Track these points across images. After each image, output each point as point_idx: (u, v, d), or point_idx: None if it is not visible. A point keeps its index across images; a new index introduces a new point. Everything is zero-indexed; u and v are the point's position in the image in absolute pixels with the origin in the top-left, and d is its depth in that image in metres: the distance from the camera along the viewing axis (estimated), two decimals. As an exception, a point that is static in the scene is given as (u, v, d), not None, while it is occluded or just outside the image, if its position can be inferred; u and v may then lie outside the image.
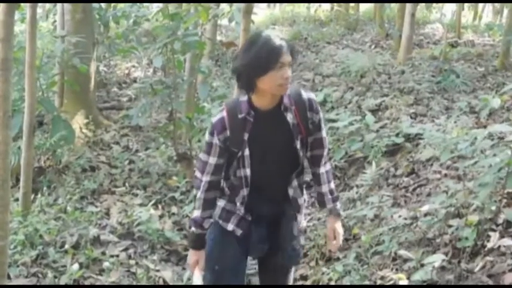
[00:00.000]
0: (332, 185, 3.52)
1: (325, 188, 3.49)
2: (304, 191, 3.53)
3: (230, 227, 3.40)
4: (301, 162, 3.34)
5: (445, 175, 5.95)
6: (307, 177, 3.54)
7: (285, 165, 3.34)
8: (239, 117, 3.17)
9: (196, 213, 3.37)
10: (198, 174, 3.37)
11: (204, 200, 3.36)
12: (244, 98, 3.17)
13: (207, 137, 3.26)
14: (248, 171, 3.27)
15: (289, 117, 3.22)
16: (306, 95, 3.28)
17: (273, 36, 3.03)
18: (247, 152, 3.22)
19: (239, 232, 3.40)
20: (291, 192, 3.38)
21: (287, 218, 3.45)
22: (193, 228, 3.38)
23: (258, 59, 2.97)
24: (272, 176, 3.35)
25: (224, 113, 3.22)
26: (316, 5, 21.17)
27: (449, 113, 8.23)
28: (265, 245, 3.46)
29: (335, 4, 20.64)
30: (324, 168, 3.49)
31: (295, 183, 3.39)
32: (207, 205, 3.38)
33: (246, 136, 3.19)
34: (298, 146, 3.27)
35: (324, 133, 3.39)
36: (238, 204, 3.38)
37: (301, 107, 3.25)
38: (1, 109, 3.60)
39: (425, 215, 5.03)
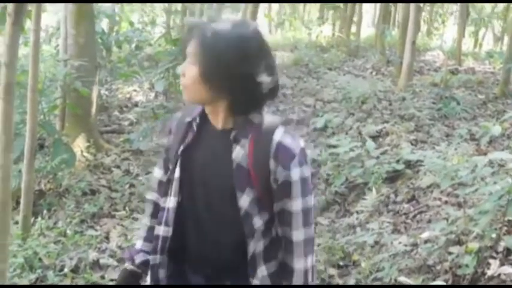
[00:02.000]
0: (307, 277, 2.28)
1: (298, 265, 2.27)
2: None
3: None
4: (252, 235, 2.25)
5: (446, 202, 5.95)
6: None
7: (226, 229, 2.31)
8: (185, 121, 2.37)
9: (136, 242, 2.58)
10: None
11: (147, 227, 2.56)
12: None
13: None
14: (173, 202, 2.35)
15: (237, 153, 2.21)
16: (279, 135, 2.19)
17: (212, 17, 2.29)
18: (177, 173, 2.33)
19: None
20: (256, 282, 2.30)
21: None
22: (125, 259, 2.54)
23: None
24: (208, 235, 2.34)
25: (179, 113, 2.47)
26: (318, 30, 21.30)
27: (450, 140, 8.25)
28: None
29: (336, 30, 20.77)
30: (301, 264, 2.26)
31: (262, 271, 2.29)
32: (149, 235, 2.52)
33: (181, 148, 2.33)
34: (245, 205, 2.21)
35: (297, 206, 2.21)
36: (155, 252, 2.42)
37: (262, 147, 2.18)
38: (4, 133, 3.60)
39: (426, 241, 5.03)
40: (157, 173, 2.53)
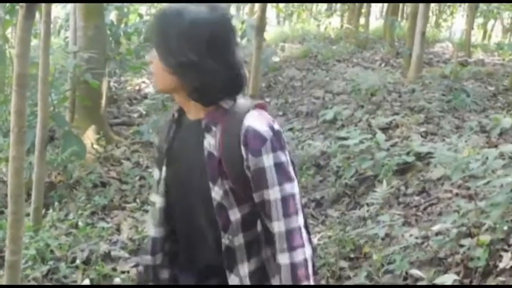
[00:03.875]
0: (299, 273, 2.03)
1: (283, 259, 2.05)
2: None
3: None
4: (226, 229, 2.11)
5: (457, 194, 5.94)
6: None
7: (208, 227, 2.18)
8: (169, 118, 2.32)
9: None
10: None
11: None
12: None
13: None
14: (160, 202, 2.29)
15: (208, 142, 2.10)
16: (250, 119, 2.05)
17: None
18: (164, 172, 2.26)
19: None
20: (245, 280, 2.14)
21: None
22: None
23: None
24: (193, 235, 2.24)
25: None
26: (326, 22, 21.27)
27: (460, 132, 8.21)
28: None
29: (345, 22, 20.72)
30: (286, 259, 2.04)
31: (244, 267, 2.14)
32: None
33: (165, 146, 2.27)
34: (217, 197, 2.09)
35: (274, 195, 2.02)
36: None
37: (232, 134, 2.05)
38: (16, 125, 3.61)
39: (437, 234, 5.02)
40: (155, 173, 2.34)
